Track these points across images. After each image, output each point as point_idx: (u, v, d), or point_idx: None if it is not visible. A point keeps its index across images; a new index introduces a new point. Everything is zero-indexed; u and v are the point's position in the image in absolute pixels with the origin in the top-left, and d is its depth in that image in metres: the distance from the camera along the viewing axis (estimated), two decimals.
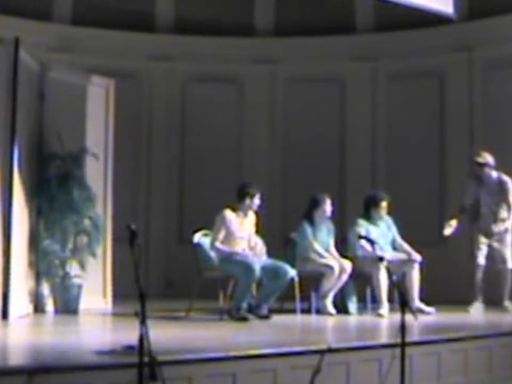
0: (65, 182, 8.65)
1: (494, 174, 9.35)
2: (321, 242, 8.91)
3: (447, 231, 9.40)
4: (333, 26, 11.80)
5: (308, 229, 8.86)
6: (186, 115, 12.05)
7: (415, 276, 8.91)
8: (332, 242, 8.99)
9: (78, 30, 11.34)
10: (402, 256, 8.99)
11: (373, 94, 11.90)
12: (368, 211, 9.06)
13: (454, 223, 9.41)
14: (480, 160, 9.32)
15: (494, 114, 11.05)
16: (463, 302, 9.82)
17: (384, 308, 8.69)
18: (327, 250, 8.90)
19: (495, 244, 9.29)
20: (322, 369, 5.27)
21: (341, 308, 8.83)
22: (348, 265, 8.74)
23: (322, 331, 7.76)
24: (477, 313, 9.07)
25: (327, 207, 8.92)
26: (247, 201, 8.39)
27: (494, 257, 9.29)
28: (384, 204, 9.07)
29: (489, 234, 9.31)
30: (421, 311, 8.68)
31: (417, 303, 8.84)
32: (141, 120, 11.81)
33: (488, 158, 9.32)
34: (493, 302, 9.28)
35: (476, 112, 11.24)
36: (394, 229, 9.17)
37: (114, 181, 9.62)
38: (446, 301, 9.61)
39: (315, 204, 8.92)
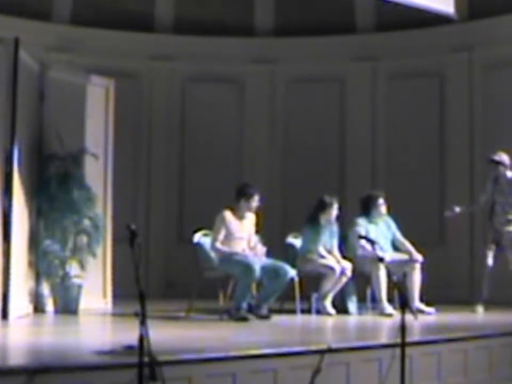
0: (65, 182, 8.65)
1: (509, 173, 9.25)
2: (324, 244, 8.90)
3: (448, 213, 9.40)
4: (333, 26, 11.81)
5: (311, 235, 8.83)
6: (186, 115, 12.05)
7: (416, 276, 8.89)
8: (335, 244, 8.96)
9: (78, 30, 11.34)
10: (403, 256, 8.98)
11: (373, 94, 11.91)
12: (368, 211, 9.05)
13: (458, 209, 9.39)
14: (495, 158, 9.24)
15: (494, 114, 11.05)
16: (463, 302, 9.83)
17: (388, 307, 8.67)
18: (329, 252, 8.89)
19: (506, 246, 9.22)
20: (322, 369, 5.26)
21: (341, 308, 8.82)
22: (348, 267, 8.73)
23: (322, 331, 7.76)
24: (482, 312, 9.05)
25: (334, 211, 8.88)
26: (246, 202, 8.38)
27: (507, 258, 9.24)
28: (381, 201, 9.07)
29: (500, 235, 9.25)
30: (421, 311, 8.68)
31: (417, 303, 8.83)
32: (141, 120, 11.81)
33: (503, 157, 9.23)
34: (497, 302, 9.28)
35: (476, 112, 11.25)
36: (394, 228, 9.16)
37: (114, 181, 9.62)
38: (446, 301, 9.61)
39: (322, 207, 8.88)
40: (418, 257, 8.92)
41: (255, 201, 8.40)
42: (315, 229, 8.83)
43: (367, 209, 9.05)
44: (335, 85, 12.02)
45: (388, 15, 11.40)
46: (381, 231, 9.05)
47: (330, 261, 8.76)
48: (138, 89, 11.75)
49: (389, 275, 8.46)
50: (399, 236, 9.14)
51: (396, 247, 9.12)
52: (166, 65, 11.90)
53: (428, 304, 8.91)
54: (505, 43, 10.84)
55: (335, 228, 8.96)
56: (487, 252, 9.22)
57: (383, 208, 9.07)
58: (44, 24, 11.16)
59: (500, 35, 10.85)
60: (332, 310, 8.68)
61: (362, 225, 8.93)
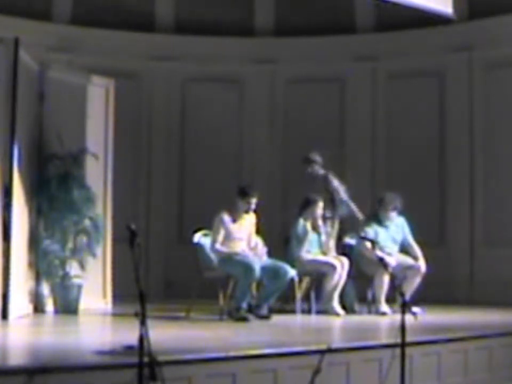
0: (65, 182, 8.65)
1: (321, 171, 9.35)
2: (312, 241, 8.91)
3: None
4: (333, 26, 11.80)
5: (302, 227, 8.85)
6: (186, 115, 12.05)
7: (414, 282, 8.87)
8: (325, 242, 8.98)
9: (78, 30, 11.34)
10: (407, 260, 8.95)
11: (373, 94, 11.91)
12: (377, 213, 9.06)
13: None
14: (308, 156, 9.39)
15: (494, 114, 11.05)
16: (463, 302, 9.84)
17: (384, 306, 8.68)
18: (321, 248, 8.91)
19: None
20: (322, 369, 5.26)
21: (341, 308, 8.82)
22: (345, 260, 8.74)
23: (322, 331, 7.76)
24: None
25: (318, 209, 8.90)
26: (243, 203, 8.37)
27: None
28: (389, 207, 9.03)
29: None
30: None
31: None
32: (141, 120, 11.81)
33: (314, 155, 9.36)
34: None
35: (476, 112, 11.24)
36: (407, 230, 9.13)
37: (114, 181, 9.61)
38: (445, 301, 9.61)
39: (306, 204, 8.92)
40: (423, 267, 8.88)
41: (252, 203, 8.39)
42: (306, 226, 8.85)
43: (376, 211, 9.07)
44: (335, 85, 12.02)
45: (388, 15, 11.40)
46: (390, 235, 9.03)
47: (329, 258, 8.78)
48: (138, 89, 11.75)
49: (392, 277, 8.48)
50: (410, 239, 9.10)
51: (403, 247, 9.09)
52: (166, 65, 11.89)
53: (426, 303, 8.88)
54: (505, 43, 10.84)
55: (322, 227, 8.97)
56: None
57: (391, 214, 9.03)
58: (44, 24, 11.16)
59: (500, 35, 10.84)
60: (340, 311, 8.66)
61: (373, 227, 8.93)
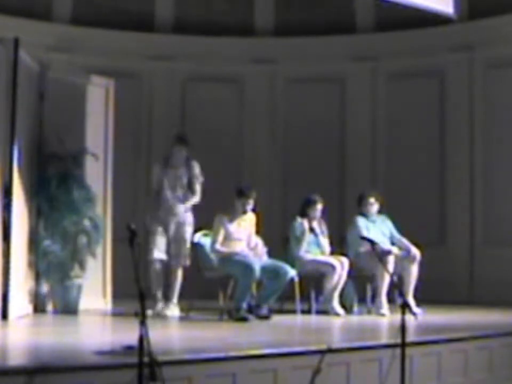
0: (65, 182, 8.64)
1: (185, 153, 8.78)
2: (312, 242, 8.91)
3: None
4: (333, 26, 11.81)
5: (299, 225, 8.85)
6: (186, 115, 12.04)
7: (413, 271, 8.88)
8: (325, 242, 8.98)
9: (78, 30, 11.34)
10: (401, 251, 8.98)
11: (373, 94, 11.91)
12: (361, 210, 9.10)
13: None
14: (183, 136, 8.92)
15: (494, 114, 11.05)
16: (463, 302, 9.83)
17: (385, 307, 8.69)
18: (320, 248, 8.91)
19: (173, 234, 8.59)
20: (322, 369, 5.26)
21: (341, 308, 8.82)
22: (345, 260, 8.74)
23: (322, 331, 7.75)
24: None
25: (316, 211, 8.91)
26: (241, 203, 8.37)
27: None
28: (372, 200, 9.07)
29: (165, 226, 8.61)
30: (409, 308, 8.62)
31: (410, 298, 8.76)
32: (141, 120, 11.81)
33: (186, 137, 8.91)
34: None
35: (476, 112, 11.24)
36: (391, 226, 9.16)
37: (114, 181, 9.61)
38: (445, 301, 9.60)
39: (307, 203, 8.93)
40: (417, 253, 8.90)
41: (249, 203, 8.39)
42: (303, 224, 8.85)
43: (359, 208, 9.10)
44: (335, 85, 12.02)
45: (388, 15, 11.40)
46: (379, 229, 9.07)
47: (329, 258, 8.79)
48: (138, 89, 11.75)
49: (391, 275, 8.48)
50: (396, 233, 9.15)
51: (393, 243, 9.11)
52: (166, 65, 11.90)
53: (425, 303, 8.88)
54: (505, 43, 10.84)
55: (323, 226, 8.97)
56: (154, 247, 8.51)
57: (374, 207, 9.08)
58: (44, 24, 11.16)
59: (499, 35, 10.85)
60: (340, 310, 8.66)
61: (362, 224, 8.95)
